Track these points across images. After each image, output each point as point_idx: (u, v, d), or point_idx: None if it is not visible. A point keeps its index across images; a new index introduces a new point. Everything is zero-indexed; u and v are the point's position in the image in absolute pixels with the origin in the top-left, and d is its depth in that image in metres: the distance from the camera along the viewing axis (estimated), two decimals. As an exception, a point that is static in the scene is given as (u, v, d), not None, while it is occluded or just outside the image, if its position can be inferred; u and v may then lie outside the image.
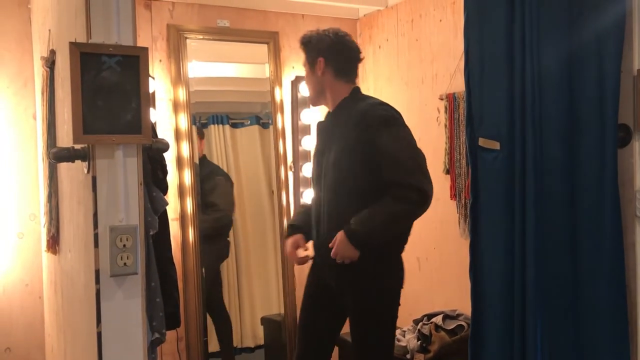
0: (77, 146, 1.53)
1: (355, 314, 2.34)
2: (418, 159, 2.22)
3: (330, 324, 2.45)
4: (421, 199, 2.16)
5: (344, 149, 2.25)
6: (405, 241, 2.36)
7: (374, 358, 2.33)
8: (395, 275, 2.33)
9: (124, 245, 1.50)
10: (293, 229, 2.48)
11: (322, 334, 2.45)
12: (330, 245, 2.20)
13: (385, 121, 2.21)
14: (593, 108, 1.91)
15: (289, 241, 2.44)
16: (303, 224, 2.48)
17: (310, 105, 2.63)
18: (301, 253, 2.41)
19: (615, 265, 1.88)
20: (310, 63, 2.38)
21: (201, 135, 3.57)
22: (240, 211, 3.68)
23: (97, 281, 1.51)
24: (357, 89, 2.40)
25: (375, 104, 2.32)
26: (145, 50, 1.52)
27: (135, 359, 1.56)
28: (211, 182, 3.58)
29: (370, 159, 2.19)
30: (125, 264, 1.51)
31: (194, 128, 3.42)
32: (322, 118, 2.58)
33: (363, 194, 2.21)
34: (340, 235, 2.17)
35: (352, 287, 2.29)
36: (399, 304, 2.36)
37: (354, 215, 2.17)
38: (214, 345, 3.54)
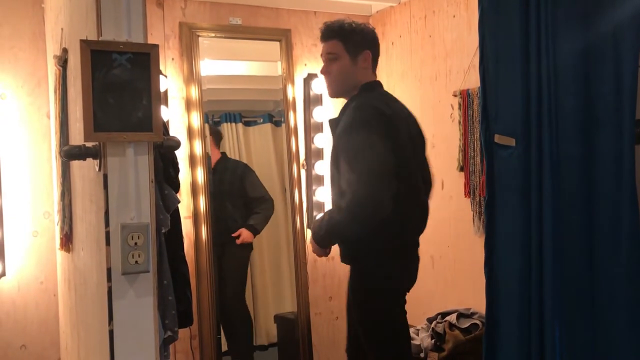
0: (89, 144, 1.53)
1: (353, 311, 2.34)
2: (360, 168, 2.04)
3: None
4: (348, 211, 2.04)
5: (331, 151, 2.28)
6: (388, 241, 2.18)
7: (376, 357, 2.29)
8: (379, 275, 2.21)
9: (136, 244, 1.49)
10: None
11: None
12: None
13: (347, 128, 2.14)
14: (609, 104, 1.89)
15: None
16: None
17: (330, 97, 2.44)
18: None
19: (632, 262, 1.85)
20: (353, 54, 2.28)
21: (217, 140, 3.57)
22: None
23: (109, 279, 1.50)
24: (369, 84, 2.34)
25: (356, 107, 2.19)
26: (155, 47, 1.51)
27: (147, 357, 1.55)
28: (246, 175, 3.60)
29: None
30: (136, 262, 1.50)
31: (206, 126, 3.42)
32: (333, 115, 2.55)
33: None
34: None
35: (349, 286, 2.34)
36: (395, 305, 2.26)
37: None
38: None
